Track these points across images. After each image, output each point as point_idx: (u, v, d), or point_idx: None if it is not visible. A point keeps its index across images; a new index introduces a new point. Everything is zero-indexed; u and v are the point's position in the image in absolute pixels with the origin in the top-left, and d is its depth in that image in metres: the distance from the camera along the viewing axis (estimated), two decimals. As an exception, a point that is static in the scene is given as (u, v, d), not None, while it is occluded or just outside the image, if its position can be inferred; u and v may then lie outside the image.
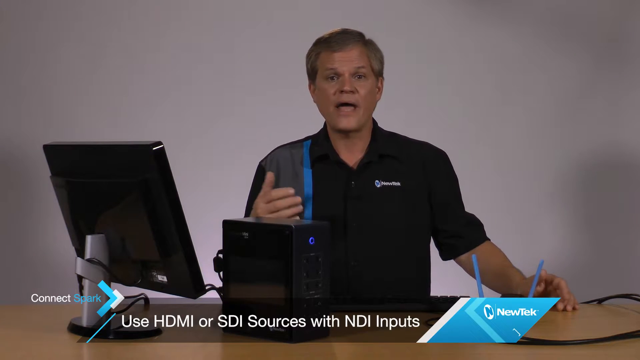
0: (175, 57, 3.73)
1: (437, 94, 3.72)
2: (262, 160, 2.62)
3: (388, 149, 2.55)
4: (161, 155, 1.87)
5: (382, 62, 2.54)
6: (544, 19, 3.71)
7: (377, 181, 2.52)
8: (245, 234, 1.91)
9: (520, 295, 2.20)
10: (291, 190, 2.23)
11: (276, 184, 2.54)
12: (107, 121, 3.72)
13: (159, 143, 1.87)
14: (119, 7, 3.74)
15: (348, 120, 2.48)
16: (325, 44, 2.50)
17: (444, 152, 2.62)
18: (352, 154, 2.55)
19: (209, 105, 3.74)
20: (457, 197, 2.61)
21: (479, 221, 2.60)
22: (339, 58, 2.48)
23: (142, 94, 3.74)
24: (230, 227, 1.94)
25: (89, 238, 1.98)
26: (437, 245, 2.61)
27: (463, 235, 2.56)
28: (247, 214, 2.58)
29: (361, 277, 2.47)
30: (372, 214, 2.49)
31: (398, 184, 2.53)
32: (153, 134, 3.51)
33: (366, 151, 2.54)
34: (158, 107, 3.74)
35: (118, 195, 1.95)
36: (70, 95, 3.73)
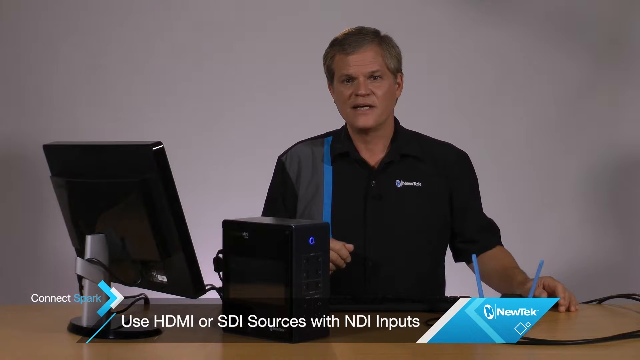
0: (175, 57, 3.73)
1: (436, 94, 3.72)
2: (281, 155, 2.61)
3: (410, 148, 2.53)
4: (161, 155, 1.87)
5: (399, 59, 2.52)
6: (544, 19, 3.71)
7: (397, 181, 2.51)
8: (245, 234, 1.91)
9: (520, 295, 2.20)
10: (346, 247, 2.31)
11: (296, 181, 2.55)
12: (108, 121, 3.72)
13: (159, 143, 1.87)
14: (120, 6, 3.74)
15: (366, 118, 2.47)
16: (340, 47, 2.48)
17: (466, 154, 2.60)
18: (373, 153, 2.54)
19: (209, 105, 3.74)
20: (476, 201, 2.59)
21: (495, 226, 2.58)
22: (353, 61, 2.46)
23: (142, 93, 3.74)
24: (230, 227, 1.94)
25: (89, 238, 1.98)
26: (451, 248, 2.59)
27: (476, 241, 2.54)
28: (265, 208, 2.59)
29: (378, 276, 2.47)
30: (392, 214, 2.48)
31: (419, 184, 2.51)
32: (153, 133, 3.51)
33: (387, 150, 2.53)
34: (158, 107, 3.73)
35: (118, 195, 1.95)
36: (71, 95, 3.73)
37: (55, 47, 3.73)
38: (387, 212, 2.48)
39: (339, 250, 2.29)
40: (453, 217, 2.54)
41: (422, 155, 2.54)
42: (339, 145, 2.55)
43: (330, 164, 2.54)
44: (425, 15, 3.72)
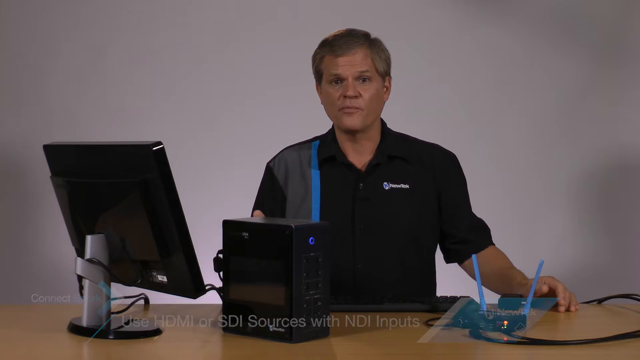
0: (175, 57, 3.74)
1: (437, 94, 3.73)
2: (269, 161, 2.62)
3: (397, 150, 2.53)
4: (161, 155, 1.87)
5: (388, 62, 2.52)
6: (544, 19, 3.72)
7: (385, 183, 2.51)
8: (245, 234, 1.91)
9: (521, 295, 2.20)
10: None
11: (284, 185, 2.55)
12: (107, 121, 3.73)
13: (159, 143, 1.87)
14: (119, 7, 3.74)
15: (352, 118, 2.47)
16: (329, 48, 2.48)
17: (454, 155, 2.60)
18: (360, 155, 2.54)
19: (209, 105, 3.74)
20: (465, 201, 2.59)
21: (486, 225, 2.58)
22: (342, 62, 2.46)
23: (142, 94, 3.74)
24: (230, 227, 1.94)
25: (89, 238, 1.97)
26: (443, 249, 2.59)
27: (469, 241, 2.54)
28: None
29: (368, 278, 2.47)
30: (380, 216, 2.48)
31: (407, 186, 2.51)
32: (153, 134, 3.51)
33: (375, 153, 2.53)
34: (158, 107, 3.74)
35: (118, 195, 1.95)
36: (70, 95, 3.74)
37: (56, 47, 3.73)
38: (375, 213, 2.49)
39: None
40: (442, 218, 2.55)
41: (410, 157, 2.54)
42: (326, 149, 2.55)
43: (318, 169, 2.54)
44: (425, 15, 3.72)
